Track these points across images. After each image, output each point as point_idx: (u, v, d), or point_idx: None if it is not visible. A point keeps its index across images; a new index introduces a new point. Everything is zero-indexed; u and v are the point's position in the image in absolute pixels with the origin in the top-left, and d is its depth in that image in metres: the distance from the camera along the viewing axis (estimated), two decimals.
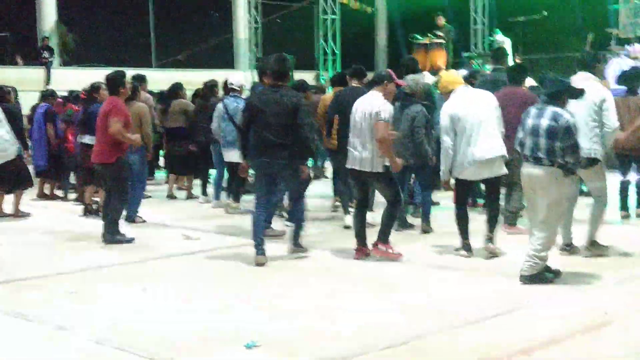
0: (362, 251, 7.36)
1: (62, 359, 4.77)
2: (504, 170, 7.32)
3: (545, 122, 6.10)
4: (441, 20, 18.11)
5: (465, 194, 7.59)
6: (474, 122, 7.11)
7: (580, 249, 7.23)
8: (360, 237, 7.40)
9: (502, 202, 7.75)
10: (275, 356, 4.70)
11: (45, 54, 19.88)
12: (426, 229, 8.56)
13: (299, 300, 5.96)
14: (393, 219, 7.40)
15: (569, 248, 7.24)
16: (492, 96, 7.45)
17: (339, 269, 7.05)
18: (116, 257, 7.66)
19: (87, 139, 9.68)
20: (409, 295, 6.05)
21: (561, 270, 6.44)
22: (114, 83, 8.46)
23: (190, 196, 11.65)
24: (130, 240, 8.33)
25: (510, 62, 17.08)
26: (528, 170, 6.29)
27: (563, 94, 6.25)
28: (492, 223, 7.37)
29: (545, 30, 19.34)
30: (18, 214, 10.20)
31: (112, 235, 8.29)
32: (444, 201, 9.94)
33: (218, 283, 6.61)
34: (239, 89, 10.19)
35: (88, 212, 10.16)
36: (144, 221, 9.59)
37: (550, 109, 6.14)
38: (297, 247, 7.57)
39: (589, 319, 5.36)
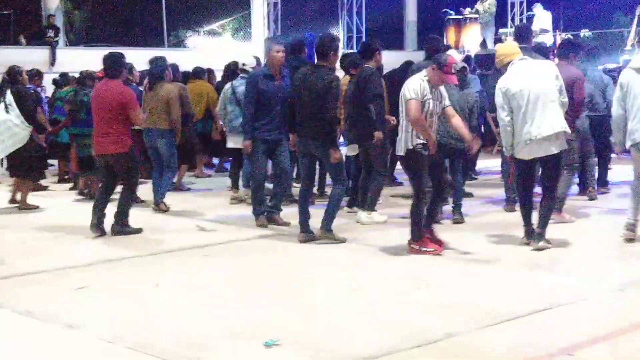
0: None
1: (73, 357, 4.84)
2: (565, 146, 7.27)
3: None
4: None
5: (526, 176, 7.44)
6: (529, 97, 7.07)
7: None
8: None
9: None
10: (296, 355, 4.74)
11: (50, 33, 19.96)
12: (459, 220, 8.57)
13: (322, 295, 5.99)
14: (416, 213, 7.25)
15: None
16: (552, 65, 7.46)
17: (366, 263, 7.07)
18: (126, 250, 7.73)
19: None
20: (440, 291, 6.06)
21: None
22: (117, 64, 8.43)
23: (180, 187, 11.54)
24: (138, 231, 8.43)
25: (550, 38, 17.06)
26: None
27: None
28: (545, 217, 7.24)
29: (589, 3, 19.16)
30: (26, 207, 10.22)
31: (121, 227, 8.38)
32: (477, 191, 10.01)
33: (235, 277, 6.65)
34: (250, 70, 10.19)
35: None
36: (168, 209, 9.74)
37: None
38: (328, 232, 7.70)
39: (635, 314, 5.35)
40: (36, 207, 10.27)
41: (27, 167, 10.20)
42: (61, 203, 10.89)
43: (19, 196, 10.38)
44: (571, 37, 15.95)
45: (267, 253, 7.54)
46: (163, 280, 6.52)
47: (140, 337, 5.07)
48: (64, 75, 13.58)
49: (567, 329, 5.12)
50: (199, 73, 12.60)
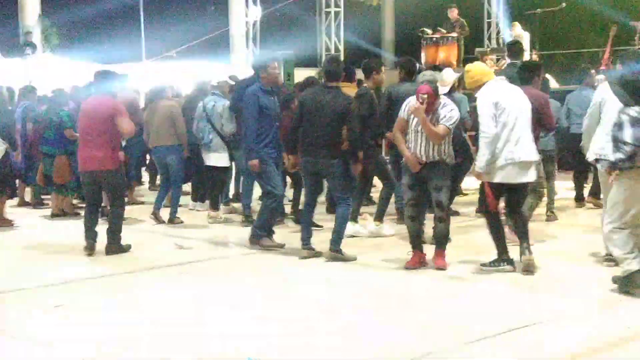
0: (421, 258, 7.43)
1: None
2: (535, 177, 7.30)
3: None
4: (454, 13, 18.10)
5: (498, 199, 7.26)
6: (517, 115, 7.01)
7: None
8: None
9: None
10: None
11: (28, 51, 19.89)
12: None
13: (302, 313, 5.97)
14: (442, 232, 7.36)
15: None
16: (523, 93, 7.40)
17: (347, 280, 7.06)
18: (102, 269, 7.67)
19: None
20: (420, 309, 6.06)
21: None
22: (104, 79, 8.40)
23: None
24: (128, 248, 8.37)
25: (526, 57, 17.20)
26: None
27: None
28: (524, 231, 7.22)
29: (564, 24, 19.39)
30: (3, 223, 10.11)
31: (117, 245, 8.27)
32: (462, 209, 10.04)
33: (213, 295, 6.62)
34: (219, 88, 10.29)
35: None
36: (182, 222, 9.98)
37: None
38: (337, 252, 7.68)
39: (610, 334, 5.37)
40: (11, 222, 10.17)
41: (1, 183, 10.10)
42: (40, 220, 10.81)
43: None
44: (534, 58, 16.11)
45: (248, 271, 7.52)
46: (138, 299, 6.47)
47: (125, 349, 5.03)
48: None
49: (542, 347, 5.12)
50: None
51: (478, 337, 5.27)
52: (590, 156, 6.80)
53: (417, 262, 7.35)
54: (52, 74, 18.64)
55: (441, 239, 7.33)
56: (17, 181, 11.56)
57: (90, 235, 8.23)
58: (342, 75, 8.02)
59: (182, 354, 5.07)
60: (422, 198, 7.40)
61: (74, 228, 9.79)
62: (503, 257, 7.20)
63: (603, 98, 7.09)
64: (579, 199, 10.79)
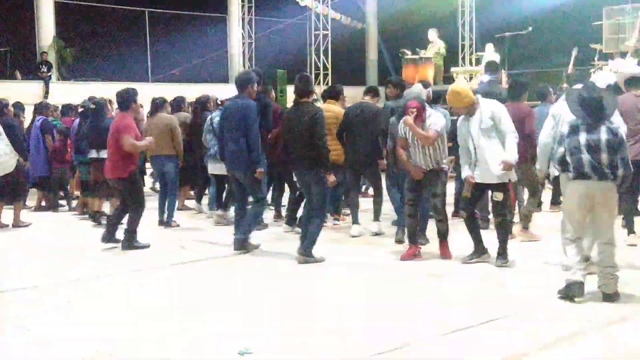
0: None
1: None
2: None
3: (604, 137, 5.92)
4: (433, 35, 18.15)
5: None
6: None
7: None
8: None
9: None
10: None
11: (44, 69, 19.84)
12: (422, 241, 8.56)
13: (291, 306, 5.95)
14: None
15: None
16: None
17: (333, 278, 7.05)
18: (111, 267, 7.63)
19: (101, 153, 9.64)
20: (401, 303, 6.05)
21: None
22: (126, 99, 8.52)
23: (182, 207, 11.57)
24: (147, 246, 8.50)
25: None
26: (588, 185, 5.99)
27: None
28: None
29: (531, 46, 19.47)
30: (19, 224, 10.22)
31: (130, 243, 8.43)
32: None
33: (212, 292, 6.59)
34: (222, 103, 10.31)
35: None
36: (178, 225, 9.95)
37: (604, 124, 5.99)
38: (307, 256, 7.63)
39: (570, 328, 5.38)
40: (29, 224, 10.20)
41: (13, 191, 10.13)
42: (55, 223, 10.75)
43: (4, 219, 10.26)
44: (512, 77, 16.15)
45: (245, 269, 7.50)
46: (142, 294, 6.44)
47: (124, 348, 4.98)
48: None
49: (515, 337, 5.12)
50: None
51: (453, 329, 5.27)
52: (552, 170, 6.93)
53: (412, 254, 7.67)
54: (66, 91, 18.66)
55: (443, 235, 7.73)
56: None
57: (109, 228, 8.57)
58: (311, 92, 7.89)
59: (185, 344, 5.04)
60: (420, 199, 7.79)
61: (87, 230, 9.80)
62: (480, 250, 7.46)
63: (558, 114, 7.15)
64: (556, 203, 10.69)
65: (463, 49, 23.63)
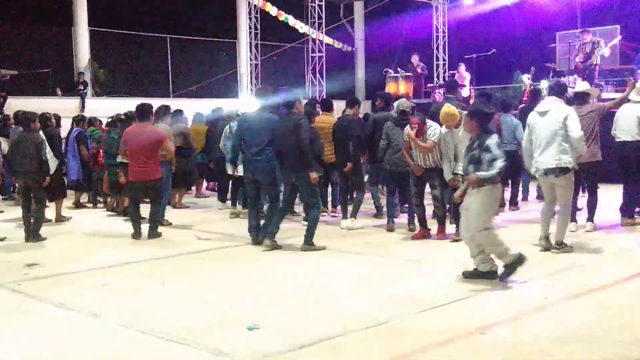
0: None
1: (96, 339, 4.77)
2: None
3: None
4: (415, 60, 18.21)
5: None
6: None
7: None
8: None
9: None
10: (272, 335, 4.70)
11: (80, 87, 19.80)
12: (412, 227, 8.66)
13: (294, 289, 5.96)
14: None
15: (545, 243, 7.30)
16: None
17: (329, 265, 7.04)
18: (140, 255, 7.63)
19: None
20: (385, 286, 6.06)
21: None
22: (146, 111, 8.80)
23: (180, 206, 11.48)
24: (159, 235, 8.68)
25: (467, 92, 17.30)
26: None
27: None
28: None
29: (495, 65, 19.45)
30: (61, 219, 10.20)
31: (154, 232, 8.63)
32: None
33: (226, 276, 6.60)
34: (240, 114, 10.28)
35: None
36: (171, 224, 9.67)
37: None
38: (310, 245, 7.65)
39: (532, 303, 5.40)
40: (69, 218, 10.22)
41: (55, 191, 10.11)
42: (91, 218, 10.76)
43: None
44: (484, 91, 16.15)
45: (252, 257, 7.49)
46: (168, 279, 6.45)
47: (150, 324, 5.01)
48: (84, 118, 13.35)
49: (481, 314, 5.14)
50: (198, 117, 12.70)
51: (429, 306, 5.29)
52: (532, 170, 7.34)
53: (421, 235, 8.09)
54: (100, 106, 18.62)
55: (441, 220, 8.09)
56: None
57: (136, 226, 8.67)
58: (301, 104, 7.99)
59: (202, 321, 5.05)
60: (422, 191, 8.20)
61: (120, 224, 9.80)
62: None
63: (531, 123, 7.21)
64: (514, 203, 10.65)
65: (438, 68, 23.64)
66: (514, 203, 10.46)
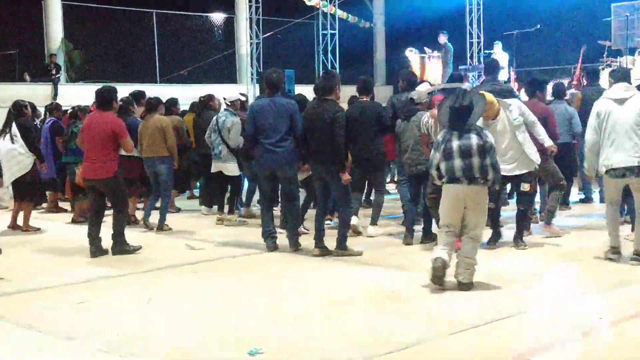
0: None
1: None
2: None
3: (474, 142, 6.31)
4: (443, 39, 18.14)
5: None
6: None
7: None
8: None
9: None
10: None
11: (52, 71, 19.89)
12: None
13: (303, 306, 5.95)
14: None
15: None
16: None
17: (344, 277, 7.04)
18: (121, 268, 7.65)
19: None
20: (411, 302, 6.04)
21: None
22: (107, 98, 8.38)
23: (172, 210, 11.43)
24: (138, 249, 8.37)
25: (505, 75, 17.24)
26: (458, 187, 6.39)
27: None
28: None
29: (539, 43, 19.40)
30: (29, 229, 10.18)
31: (120, 247, 8.30)
32: None
33: (222, 292, 6.60)
34: (230, 104, 10.25)
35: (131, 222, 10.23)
36: (171, 229, 9.80)
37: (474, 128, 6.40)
38: (344, 249, 7.82)
39: (585, 323, 5.36)
40: (38, 229, 10.19)
41: (29, 192, 10.15)
42: (61, 225, 10.78)
43: (19, 221, 10.28)
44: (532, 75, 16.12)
45: (252, 269, 7.50)
46: (156, 295, 6.45)
47: (135, 347, 5.01)
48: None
49: (522, 336, 5.11)
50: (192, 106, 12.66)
51: (464, 327, 5.26)
52: (601, 169, 7.17)
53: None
54: (75, 93, 18.71)
55: None
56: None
57: (94, 243, 8.26)
58: (335, 89, 7.92)
59: (196, 345, 5.05)
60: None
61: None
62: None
63: (603, 111, 7.11)
64: (566, 203, 10.62)
65: (471, 47, 23.56)
66: (565, 202, 10.45)
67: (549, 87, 10.70)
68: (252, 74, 23.22)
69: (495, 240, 8.08)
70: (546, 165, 8.25)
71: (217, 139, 10.06)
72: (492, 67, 10.03)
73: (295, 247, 8.20)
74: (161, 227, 9.83)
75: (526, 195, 8.03)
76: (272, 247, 8.27)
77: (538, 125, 7.92)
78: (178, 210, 11.65)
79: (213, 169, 10.27)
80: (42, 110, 12.89)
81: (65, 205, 12.00)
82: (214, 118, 10.28)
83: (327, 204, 8.30)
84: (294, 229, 8.31)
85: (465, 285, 6.29)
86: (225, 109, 10.22)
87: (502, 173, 7.32)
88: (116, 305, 6.18)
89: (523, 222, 8.08)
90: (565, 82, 13.62)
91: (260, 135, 8.14)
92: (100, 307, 6.14)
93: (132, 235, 8.81)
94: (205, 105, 11.27)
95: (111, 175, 8.22)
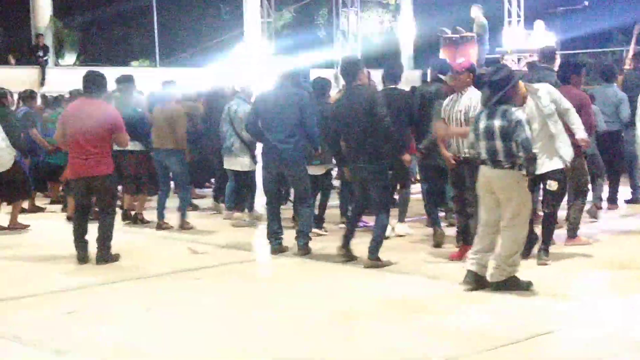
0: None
1: None
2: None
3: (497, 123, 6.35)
4: (476, 11, 18.00)
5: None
6: None
7: None
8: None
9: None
10: None
11: (40, 53, 19.99)
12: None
13: (319, 320, 5.94)
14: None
15: None
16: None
17: (365, 287, 7.03)
18: (116, 274, 7.68)
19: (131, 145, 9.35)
20: (439, 315, 6.03)
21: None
22: (98, 82, 8.21)
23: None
24: (117, 258, 8.21)
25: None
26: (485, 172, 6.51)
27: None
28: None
29: (587, 24, 19.27)
30: (16, 226, 10.30)
31: (107, 254, 8.16)
32: None
33: (227, 302, 6.62)
34: (243, 92, 10.31)
35: (128, 219, 10.37)
36: (192, 227, 9.94)
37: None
38: (376, 259, 7.64)
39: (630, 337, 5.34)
40: (27, 226, 10.30)
41: (12, 190, 10.21)
42: (52, 225, 10.86)
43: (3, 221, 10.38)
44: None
45: (260, 276, 7.52)
46: (154, 305, 6.48)
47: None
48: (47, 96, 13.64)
49: (565, 354, 5.09)
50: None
51: (499, 344, 5.25)
52: None
53: (461, 255, 7.60)
54: (65, 78, 18.79)
55: (469, 233, 7.58)
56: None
57: (81, 246, 8.21)
58: (359, 73, 7.84)
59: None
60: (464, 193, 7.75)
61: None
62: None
63: None
64: (613, 201, 10.64)
65: (510, 26, 23.46)
66: (613, 201, 10.40)
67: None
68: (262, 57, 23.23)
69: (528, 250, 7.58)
70: (573, 161, 7.82)
71: (229, 130, 10.07)
72: (549, 53, 9.92)
73: (303, 252, 8.20)
74: (182, 225, 9.91)
75: (554, 195, 7.59)
76: (277, 249, 8.29)
77: (573, 113, 7.54)
78: (195, 208, 11.66)
79: (226, 165, 10.30)
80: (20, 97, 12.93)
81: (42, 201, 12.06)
82: (226, 107, 10.28)
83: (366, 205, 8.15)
84: (305, 232, 8.30)
85: (493, 285, 6.34)
86: (237, 97, 10.26)
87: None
88: (110, 316, 6.21)
89: (549, 228, 7.66)
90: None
91: (265, 129, 8.16)
92: (93, 318, 6.17)
93: (129, 236, 8.85)
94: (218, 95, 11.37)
95: (110, 172, 8.16)
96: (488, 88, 6.46)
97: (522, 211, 6.45)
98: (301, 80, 8.67)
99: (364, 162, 7.61)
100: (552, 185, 7.42)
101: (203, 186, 13.46)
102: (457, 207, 7.82)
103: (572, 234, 8.41)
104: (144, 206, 10.62)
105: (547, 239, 7.61)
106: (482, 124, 6.45)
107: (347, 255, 7.87)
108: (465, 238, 7.68)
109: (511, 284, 6.41)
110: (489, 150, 6.40)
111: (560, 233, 8.25)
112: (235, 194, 10.49)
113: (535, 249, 7.58)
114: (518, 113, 6.41)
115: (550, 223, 7.66)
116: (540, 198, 8.09)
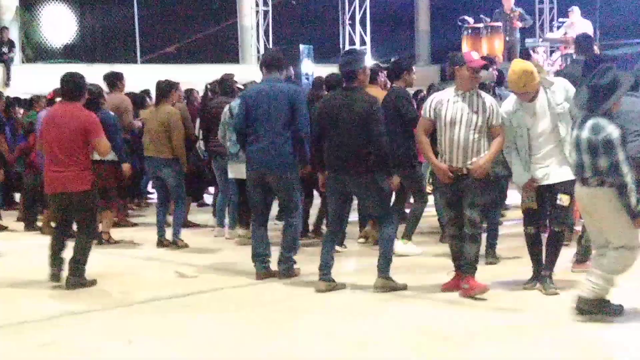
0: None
1: None
2: None
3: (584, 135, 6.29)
4: (510, 3, 18.03)
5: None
6: None
7: None
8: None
9: None
10: None
11: (4, 49, 20.09)
12: (492, 262, 8.69)
13: (324, 353, 5.97)
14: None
15: None
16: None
17: (376, 313, 7.05)
18: (96, 302, 7.70)
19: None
20: (464, 347, 6.05)
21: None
22: (78, 85, 8.24)
23: (187, 224, 11.64)
24: (93, 283, 8.25)
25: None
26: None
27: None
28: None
29: (631, 10, 19.31)
30: None
31: (80, 277, 8.17)
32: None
33: (220, 332, 6.64)
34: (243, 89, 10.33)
35: (103, 241, 10.36)
36: (187, 245, 10.01)
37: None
38: (388, 279, 7.65)
39: None
40: None
41: None
42: (21, 244, 10.91)
43: None
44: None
45: (258, 302, 7.53)
46: (135, 336, 6.51)
47: None
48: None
49: None
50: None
51: None
52: None
53: (455, 285, 7.56)
54: (33, 76, 18.87)
55: (472, 263, 7.44)
56: None
57: (56, 264, 8.24)
58: (366, 72, 7.83)
59: None
60: (462, 214, 7.50)
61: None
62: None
63: None
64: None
65: (542, 15, 23.55)
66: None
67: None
68: (258, 51, 23.32)
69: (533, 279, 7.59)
70: None
71: (233, 135, 10.02)
72: (586, 42, 9.87)
73: (285, 276, 8.15)
74: (175, 242, 9.98)
75: (563, 211, 7.38)
76: (263, 273, 8.25)
77: None
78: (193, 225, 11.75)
79: (230, 175, 10.27)
80: None
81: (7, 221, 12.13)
82: (227, 108, 10.26)
83: (343, 227, 8.14)
84: (289, 252, 8.23)
85: (581, 304, 6.36)
86: (239, 96, 10.28)
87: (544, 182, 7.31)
88: (86, 349, 6.22)
89: (556, 249, 7.44)
90: None
91: (250, 128, 8.14)
92: (69, 351, 6.19)
93: (109, 258, 8.88)
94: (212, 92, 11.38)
95: (88, 187, 8.12)
96: (590, 91, 6.31)
97: (623, 228, 6.31)
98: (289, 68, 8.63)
99: (348, 174, 7.58)
100: (563, 199, 7.26)
101: (201, 198, 13.50)
102: (453, 231, 7.59)
103: (584, 258, 8.13)
104: (110, 225, 10.65)
105: (552, 263, 7.45)
106: (574, 133, 6.43)
107: (329, 286, 7.73)
108: (459, 265, 7.56)
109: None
110: (577, 165, 6.39)
111: (564, 252, 7.87)
112: (241, 206, 10.46)
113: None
114: (610, 128, 6.17)
115: (556, 244, 7.45)
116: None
